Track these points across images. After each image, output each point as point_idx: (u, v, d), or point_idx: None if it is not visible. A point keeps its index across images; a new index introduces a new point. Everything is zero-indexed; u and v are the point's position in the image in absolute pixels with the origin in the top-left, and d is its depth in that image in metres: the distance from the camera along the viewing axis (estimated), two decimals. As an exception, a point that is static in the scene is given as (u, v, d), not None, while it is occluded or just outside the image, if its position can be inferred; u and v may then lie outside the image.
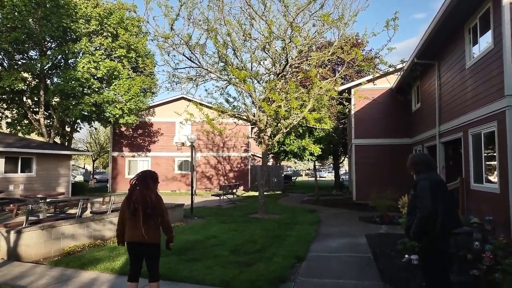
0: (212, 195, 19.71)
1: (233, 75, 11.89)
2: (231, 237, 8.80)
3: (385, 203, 11.57)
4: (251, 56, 12.36)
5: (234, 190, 18.88)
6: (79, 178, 36.22)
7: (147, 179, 4.42)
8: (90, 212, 10.14)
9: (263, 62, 13.19)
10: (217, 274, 5.73)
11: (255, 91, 12.69)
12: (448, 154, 12.11)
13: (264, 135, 13.13)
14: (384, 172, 16.18)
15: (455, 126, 10.14)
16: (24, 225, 7.19)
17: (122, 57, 21.45)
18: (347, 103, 16.37)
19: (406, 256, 6.63)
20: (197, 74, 12.70)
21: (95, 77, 20.69)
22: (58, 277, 5.66)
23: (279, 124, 13.24)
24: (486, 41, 8.33)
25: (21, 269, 6.06)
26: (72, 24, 19.37)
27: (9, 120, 22.93)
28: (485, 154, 8.41)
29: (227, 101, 13.98)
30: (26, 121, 22.90)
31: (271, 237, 8.86)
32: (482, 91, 8.34)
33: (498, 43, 7.47)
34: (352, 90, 16.50)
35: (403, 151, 15.97)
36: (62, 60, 21.73)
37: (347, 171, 35.17)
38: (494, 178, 8.00)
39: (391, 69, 13.96)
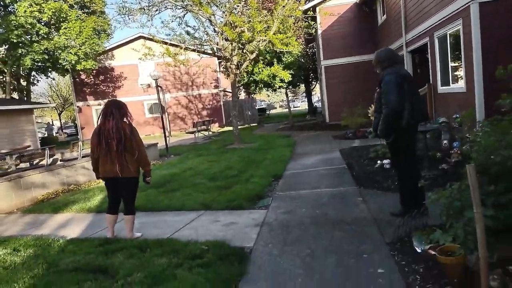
0: (187, 132, 19.51)
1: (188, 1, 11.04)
2: (209, 167, 8.79)
3: (357, 120, 11.69)
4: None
5: (209, 126, 18.69)
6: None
7: (116, 110, 4.06)
8: (60, 161, 9.83)
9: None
10: (196, 199, 5.73)
11: (214, 16, 11.91)
12: (415, 62, 12.12)
13: (231, 64, 12.64)
14: (355, 90, 16.16)
15: (421, 32, 10.00)
16: (-11, 179, 6.88)
17: (66, -4, 19.56)
18: (313, 23, 15.79)
19: (379, 162, 6.81)
20: (150, 4, 11.71)
21: (41, 21, 18.93)
22: (32, 222, 5.53)
23: (244, 50, 12.71)
24: None
25: (-7, 221, 5.88)
26: (3, -38, 17.22)
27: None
28: (451, 56, 8.40)
29: (187, 33, 13.17)
30: (-25, 79, 21.30)
31: (248, 162, 8.90)
32: (447, -10, 8.08)
33: None
34: (317, 8, 15.83)
35: (372, 67, 15.94)
36: (0, 7, 19.64)
37: (320, 97, 35.32)
38: (460, 78, 8.08)
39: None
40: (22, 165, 9.57)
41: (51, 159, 9.43)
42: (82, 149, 9.73)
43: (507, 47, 6.80)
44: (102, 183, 7.87)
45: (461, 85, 7.82)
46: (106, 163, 4.10)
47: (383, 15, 14.63)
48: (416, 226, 3.47)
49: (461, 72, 7.88)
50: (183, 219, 4.89)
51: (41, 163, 9.80)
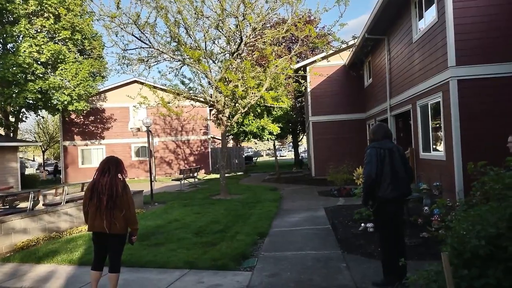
0: (172, 180, 19.43)
1: (187, 55, 11.58)
2: (194, 220, 8.77)
3: (342, 176, 12.00)
4: (204, 35, 12.07)
5: (195, 174, 18.72)
6: (29, 171, 33.87)
7: (112, 167, 4.18)
8: (43, 205, 9.65)
9: (218, 41, 12.94)
10: (181, 256, 5.70)
11: (210, 71, 12.47)
12: (399, 126, 12.70)
13: (223, 116, 13.02)
14: (341, 147, 16.70)
15: (405, 99, 10.61)
16: (-32, 223, 6.72)
17: (66, 40, 20.16)
18: (303, 81, 16.57)
19: (363, 224, 6.96)
20: (149, 55, 12.22)
21: (39, 62, 19.32)
22: (12, 273, 5.38)
23: (237, 104, 13.17)
24: (431, 14, 8.68)
25: (-31, 269, 5.69)
26: (8, 4, 17.83)
27: None
28: (432, 125, 8.91)
29: (182, 82, 13.66)
30: (-36, 113, 21.18)
31: (234, 216, 8.93)
32: (428, 64, 8.75)
33: (441, 16, 7.81)
34: (307, 68, 16.67)
35: (358, 125, 16.71)
36: (0, 45, 20.08)
37: (306, 149, 36.03)
38: (440, 146, 8.52)
39: (343, 46, 14.24)
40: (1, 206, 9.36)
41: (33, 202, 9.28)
42: (67, 194, 9.61)
43: (484, 120, 7.30)
44: (83, 231, 7.80)
45: (441, 154, 8.22)
46: (95, 217, 4.12)
47: (369, 79, 15.49)
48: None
49: (441, 141, 8.32)
50: (166, 278, 4.86)
51: (21, 204, 9.62)
